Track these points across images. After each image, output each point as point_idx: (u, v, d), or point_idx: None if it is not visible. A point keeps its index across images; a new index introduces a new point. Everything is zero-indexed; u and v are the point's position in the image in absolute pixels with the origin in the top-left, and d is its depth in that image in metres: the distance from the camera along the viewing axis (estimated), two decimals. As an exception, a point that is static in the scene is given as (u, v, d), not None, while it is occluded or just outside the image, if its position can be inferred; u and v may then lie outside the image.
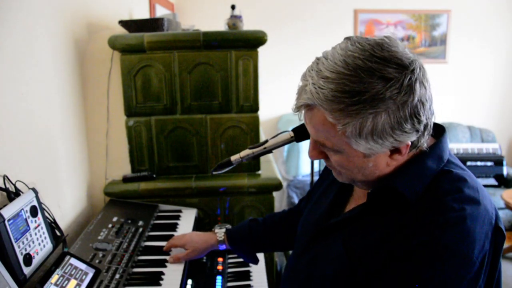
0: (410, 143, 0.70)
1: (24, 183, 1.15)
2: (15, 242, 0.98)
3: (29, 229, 1.05)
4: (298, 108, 0.72)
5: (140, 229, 1.48)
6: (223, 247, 1.26)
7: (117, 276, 1.18)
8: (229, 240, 1.25)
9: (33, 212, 1.09)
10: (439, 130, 0.80)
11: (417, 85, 0.65)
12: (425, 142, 0.74)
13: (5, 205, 1.00)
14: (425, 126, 0.69)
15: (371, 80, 0.63)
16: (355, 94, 0.63)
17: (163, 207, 1.74)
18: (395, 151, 0.71)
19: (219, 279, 1.42)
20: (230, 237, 1.25)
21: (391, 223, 0.73)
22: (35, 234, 1.08)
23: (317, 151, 0.77)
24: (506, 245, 3.22)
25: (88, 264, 1.14)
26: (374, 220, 0.77)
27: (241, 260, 1.47)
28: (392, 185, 0.73)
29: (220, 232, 1.26)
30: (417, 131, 0.68)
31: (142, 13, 2.62)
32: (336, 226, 0.83)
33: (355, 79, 0.64)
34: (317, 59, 0.71)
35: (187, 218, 1.66)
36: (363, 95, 0.63)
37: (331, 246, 0.82)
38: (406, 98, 0.64)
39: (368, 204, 0.78)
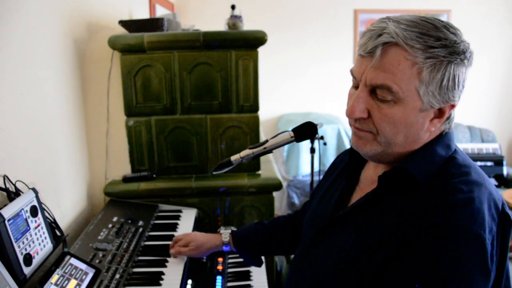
0: (455, 105, 0.75)
1: (24, 183, 1.15)
2: (15, 242, 0.98)
3: (29, 229, 1.05)
4: (373, 48, 0.70)
5: (140, 229, 1.48)
6: (227, 248, 1.24)
7: (117, 276, 1.18)
8: (235, 241, 1.23)
9: (33, 212, 1.09)
10: None
11: (471, 49, 0.73)
12: (453, 120, 0.79)
13: (5, 205, 1.00)
14: (460, 98, 0.75)
15: (447, 32, 0.70)
16: (438, 38, 0.69)
17: (163, 207, 1.74)
18: (438, 114, 0.75)
19: (219, 279, 1.42)
20: (235, 238, 1.23)
21: (401, 208, 0.74)
22: (35, 234, 1.08)
23: (363, 106, 0.74)
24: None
25: (88, 264, 1.14)
26: (384, 207, 0.78)
27: (241, 260, 1.47)
28: (403, 167, 0.75)
29: (225, 233, 1.24)
30: (459, 98, 0.74)
31: (142, 13, 2.62)
32: (345, 217, 0.84)
33: (434, 28, 0.70)
34: (387, 17, 0.74)
35: (187, 218, 1.66)
36: (444, 41, 0.69)
37: (342, 236, 0.82)
38: (469, 57, 0.72)
39: (379, 188, 0.79)
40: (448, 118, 0.77)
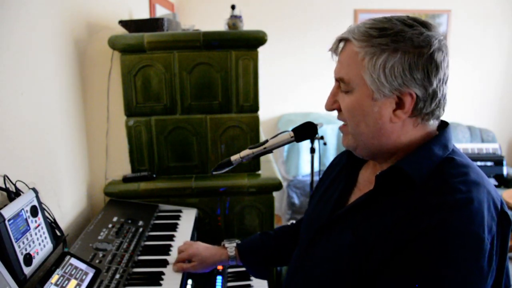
0: (415, 95, 0.74)
1: (24, 183, 1.15)
2: (15, 242, 0.98)
3: (29, 229, 1.05)
4: (334, 44, 0.81)
5: (140, 229, 1.48)
6: (233, 262, 1.20)
7: (117, 276, 1.18)
8: (241, 255, 1.20)
9: (33, 212, 1.09)
10: (442, 125, 0.84)
11: (436, 43, 0.73)
12: (432, 118, 0.78)
13: (5, 205, 1.00)
14: (434, 93, 0.75)
15: (399, 24, 0.74)
16: (383, 30, 0.74)
17: (163, 207, 1.74)
18: (399, 105, 0.75)
19: (219, 279, 1.42)
20: (241, 252, 1.20)
21: (399, 207, 0.74)
22: (35, 234, 1.08)
23: (333, 100, 0.83)
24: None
25: (88, 264, 1.14)
26: (382, 207, 0.77)
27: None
28: (399, 166, 0.76)
29: (230, 247, 1.20)
30: (425, 89, 0.74)
31: (142, 13, 2.62)
32: (343, 217, 0.84)
33: (386, 22, 0.75)
34: None
35: (187, 218, 1.66)
36: (388, 31, 0.74)
37: (340, 237, 0.82)
38: (424, 45, 0.72)
39: (376, 188, 0.79)
40: (420, 112, 0.76)
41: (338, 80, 0.81)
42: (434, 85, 0.74)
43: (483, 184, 0.73)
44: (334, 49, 0.82)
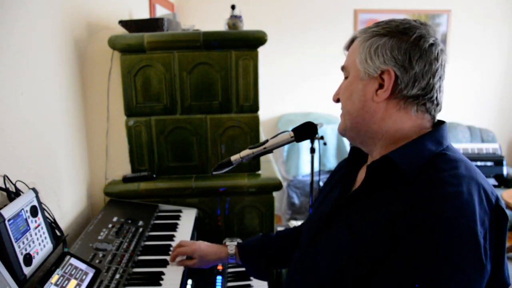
0: (393, 73, 0.78)
1: (24, 183, 1.15)
2: (15, 242, 0.98)
3: (29, 229, 1.05)
4: (347, 43, 0.91)
5: (140, 229, 1.48)
6: (232, 260, 1.22)
7: (117, 276, 1.18)
8: (241, 253, 1.21)
9: (33, 212, 1.09)
10: (439, 123, 0.85)
11: (423, 32, 0.78)
12: (418, 105, 0.80)
13: (5, 205, 1.00)
14: (416, 77, 0.78)
15: (395, 19, 0.83)
16: (379, 23, 0.84)
17: (163, 207, 1.74)
18: (381, 87, 0.80)
19: (219, 279, 1.42)
20: (241, 251, 1.22)
21: (392, 203, 0.74)
22: (35, 234, 1.08)
23: (338, 91, 0.91)
24: (507, 244, 3.21)
25: (88, 264, 1.14)
26: (375, 203, 0.78)
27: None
28: (389, 156, 0.77)
29: (231, 245, 1.23)
30: (406, 70, 0.78)
31: (142, 13, 2.62)
32: (339, 214, 0.85)
33: (387, 20, 0.84)
34: None
35: (187, 218, 1.66)
36: (380, 23, 0.83)
37: (337, 235, 0.83)
38: (408, 32, 0.79)
39: (366, 178, 0.80)
40: (401, 93, 0.78)
41: (342, 69, 0.90)
42: (416, 69, 0.78)
43: (475, 178, 0.73)
44: (346, 47, 0.91)
